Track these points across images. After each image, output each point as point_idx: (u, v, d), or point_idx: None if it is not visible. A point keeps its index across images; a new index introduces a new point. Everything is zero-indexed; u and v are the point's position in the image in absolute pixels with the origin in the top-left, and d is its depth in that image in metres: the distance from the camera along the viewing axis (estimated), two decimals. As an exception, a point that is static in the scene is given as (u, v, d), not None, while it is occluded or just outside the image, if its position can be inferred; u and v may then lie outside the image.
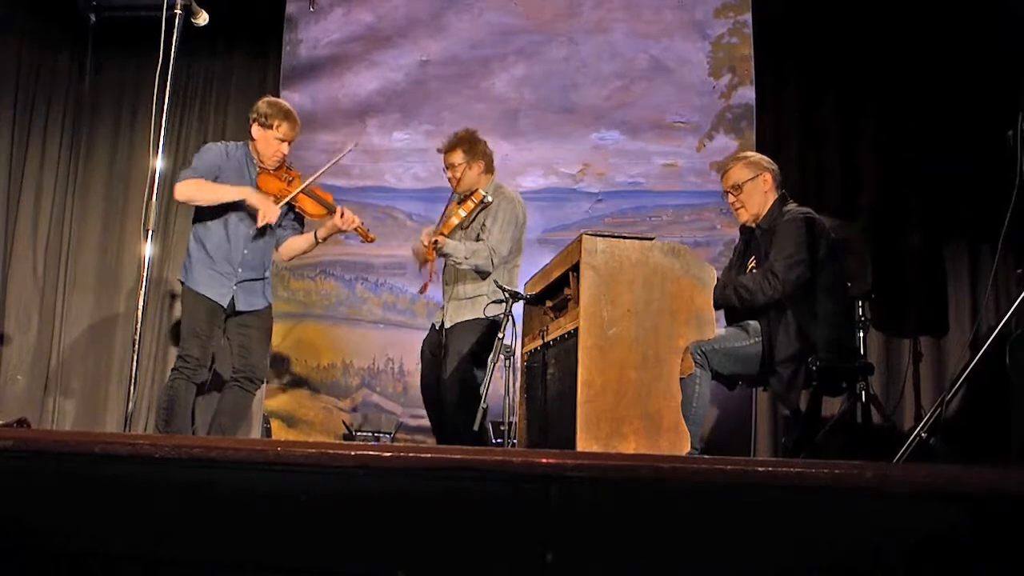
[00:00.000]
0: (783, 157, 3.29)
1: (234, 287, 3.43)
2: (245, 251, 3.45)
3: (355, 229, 3.50)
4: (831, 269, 3.04)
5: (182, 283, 3.46)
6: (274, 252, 3.64)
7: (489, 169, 3.74)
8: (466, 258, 3.53)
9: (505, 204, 3.63)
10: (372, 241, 3.63)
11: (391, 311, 4.99)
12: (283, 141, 3.47)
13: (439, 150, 3.78)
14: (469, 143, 3.70)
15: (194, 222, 3.49)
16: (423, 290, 3.73)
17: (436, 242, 3.51)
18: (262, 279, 3.54)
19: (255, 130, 3.47)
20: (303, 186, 3.49)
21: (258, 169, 3.51)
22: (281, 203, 3.43)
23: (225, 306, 3.41)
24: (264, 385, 4.81)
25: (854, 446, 3.68)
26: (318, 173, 3.57)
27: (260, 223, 3.37)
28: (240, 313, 3.46)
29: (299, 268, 5.03)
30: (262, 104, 3.50)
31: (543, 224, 4.85)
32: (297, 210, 3.56)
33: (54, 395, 5.14)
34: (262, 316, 3.54)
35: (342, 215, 3.45)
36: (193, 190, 3.36)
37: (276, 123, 3.44)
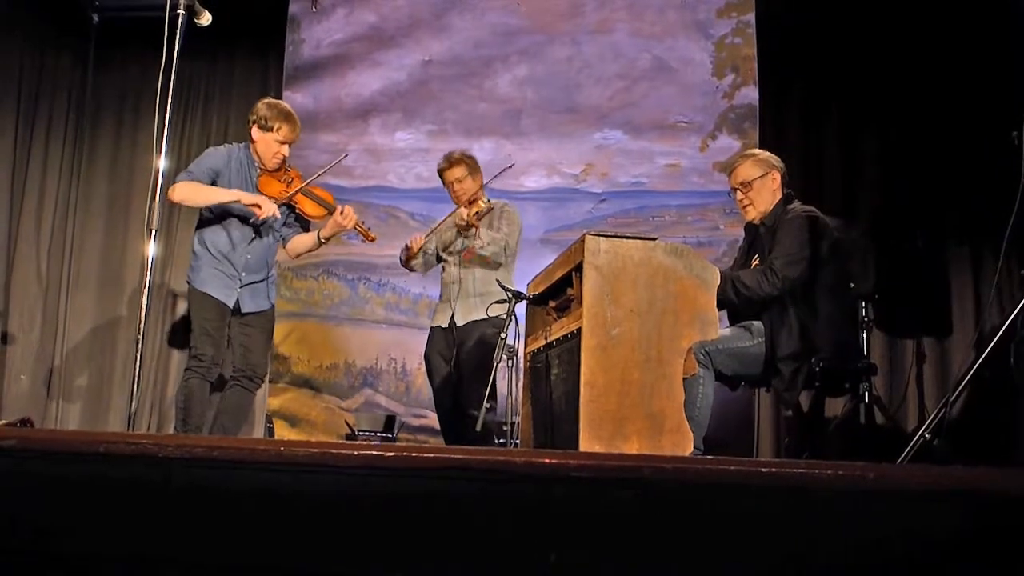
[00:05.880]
0: (786, 157, 3.28)
1: (239, 290, 3.46)
2: (248, 255, 3.47)
3: (355, 227, 3.51)
4: (833, 269, 3.03)
5: (189, 283, 3.49)
6: (280, 250, 3.67)
7: (481, 183, 3.94)
8: (488, 243, 3.73)
9: (509, 208, 3.91)
10: (373, 240, 3.64)
11: (394, 311, 4.99)
12: (283, 143, 3.48)
13: (439, 169, 3.95)
14: (468, 158, 3.92)
15: (197, 227, 3.52)
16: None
17: (477, 214, 3.69)
18: (265, 280, 3.56)
19: (255, 132, 3.48)
20: (301, 186, 3.50)
21: (259, 170, 3.52)
22: (280, 203, 3.44)
23: (231, 307, 3.44)
24: (266, 385, 4.84)
25: (857, 447, 3.67)
26: (315, 175, 3.58)
27: (262, 216, 3.36)
28: (245, 314, 3.49)
29: (302, 268, 5.03)
30: (261, 106, 3.50)
31: (546, 224, 4.85)
32: (298, 211, 3.57)
33: (57, 395, 5.15)
34: (265, 316, 3.57)
35: (342, 212, 3.48)
36: (187, 192, 3.38)
37: (276, 125, 3.45)
